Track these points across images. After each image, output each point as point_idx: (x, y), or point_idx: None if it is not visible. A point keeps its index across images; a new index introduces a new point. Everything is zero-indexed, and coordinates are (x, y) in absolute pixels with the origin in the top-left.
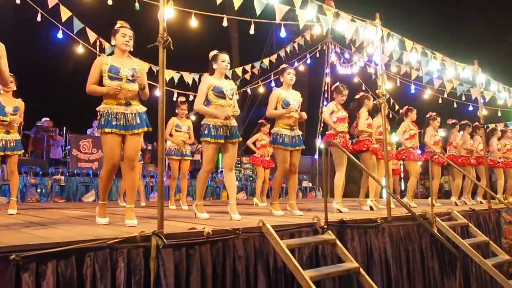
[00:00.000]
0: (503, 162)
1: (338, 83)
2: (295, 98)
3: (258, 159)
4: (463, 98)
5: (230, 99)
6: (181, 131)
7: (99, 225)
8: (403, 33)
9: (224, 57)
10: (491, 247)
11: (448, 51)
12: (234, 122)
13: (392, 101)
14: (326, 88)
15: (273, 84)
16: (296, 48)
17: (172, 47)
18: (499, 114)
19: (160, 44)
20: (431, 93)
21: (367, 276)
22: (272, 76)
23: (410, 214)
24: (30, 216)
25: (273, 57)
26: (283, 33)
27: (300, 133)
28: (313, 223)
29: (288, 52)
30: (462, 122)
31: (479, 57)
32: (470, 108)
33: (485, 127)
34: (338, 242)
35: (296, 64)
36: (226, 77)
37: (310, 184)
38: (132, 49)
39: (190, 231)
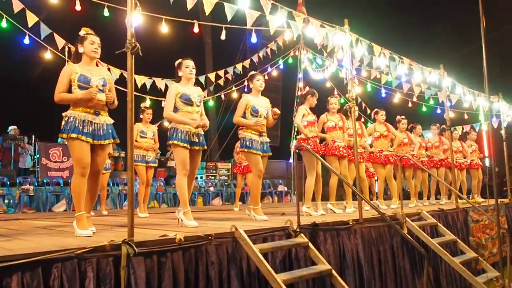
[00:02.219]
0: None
1: (308, 87)
2: (263, 105)
3: (239, 167)
4: (432, 102)
5: (198, 106)
6: (146, 137)
7: (67, 236)
8: (372, 39)
9: (188, 63)
10: (459, 245)
11: (417, 56)
12: (201, 131)
13: (363, 105)
14: (299, 92)
15: (246, 89)
16: (269, 53)
17: (140, 53)
18: (466, 117)
19: (128, 50)
20: (400, 96)
21: (339, 278)
22: (246, 81)
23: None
24: None
25: (246, 63)
26: (254, 39)
27: (268, 140)
28: (286, 227)
29: (261, 57)
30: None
31: (446, 62)
32: (438, 111)
33: (451, 129)
34: (310, 245)
35: (269, 69)
36: (200, 85)
37: (286, 188)
38: (99, 57)
39: (162, 238)
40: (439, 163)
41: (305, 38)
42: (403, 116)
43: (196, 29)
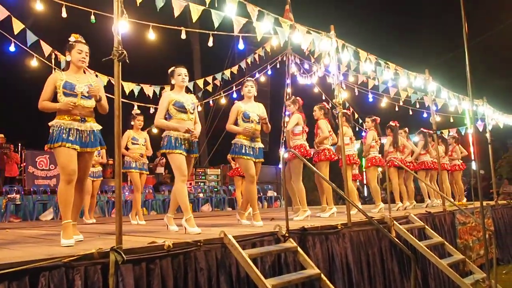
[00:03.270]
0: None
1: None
2: (255, 110)
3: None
4: (418, 106)
5: (191, 113)
6: (138, 144)
7: (54, 244)
8: (358, 44)
9: (181, 70)
10: (447, 247)
11: (403, 61)
12: (193, 137)
13: (351, 110)
14: (287, 98)
15: (235, 95)
16: (257, 59)
17: (127, 60)
18: (451, 120)
19: (115, 57)
20: (387, 101)
21: (328, 282)
22: (234, 87)
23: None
24: None
25: (235, 69)
26: (241, 45)
27: (261, 146)
28: (274, 232)
29: (249, 63)
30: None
31: (431, 67)
32: (425, 115)
33: (438, 133)
34: (299, 249)
35: (257, 75)
36: (188, 91)
37: (275, 194)
38: (87, 65)
39: (150, 245)
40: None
41: (292, 44)
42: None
43: (183, 36)
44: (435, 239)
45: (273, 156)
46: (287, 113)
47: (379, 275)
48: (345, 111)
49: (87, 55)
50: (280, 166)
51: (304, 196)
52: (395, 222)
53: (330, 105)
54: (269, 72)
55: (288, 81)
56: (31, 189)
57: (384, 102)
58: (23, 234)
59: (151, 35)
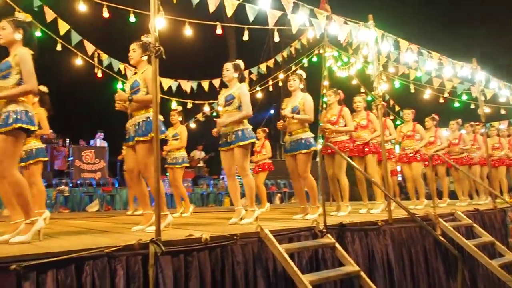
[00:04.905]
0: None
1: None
2: (291, 104)
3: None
4: (464, 97)
5: (224, 107)
6: (175, 139)
7: (99, 235)
8: (398, 34)
9: (224, 66)
10: (497, 247)
11: (447, 50)
12: (231, 129)
13: (392, 102)
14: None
15: (271, 89)
16: (293, 52)
17: (164, 56)
18: (503, 112)
19: (152, 54)
20: (431, 92)
21: (368, 280)
22: (270, 81)
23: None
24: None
25: (270, 62)
26: (276, 38)
27: (302, 137)
28: (312, 227)
29: (285, 56)
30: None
31: (479, 55)
32: (472, 106)
33: (487, 125)
34: (337, 245)
35: (293, 68)
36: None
37: None
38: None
39: (188, 238)
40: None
41: (329, 36)
42: (433, 115)
43: (219, 31)
44: (485, 238)
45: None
46: (324, 105)
47: (422, 274)
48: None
49: (134, 51)
50: (317, 160)
51: (347, 191)
52: (440, 219)
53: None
54: (306, 65)
55: (325, 73)
56: (78, 182)
57: (427, 94)
58: (70, 224)
59: (188, 31)
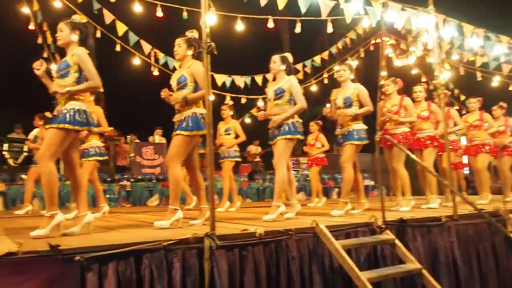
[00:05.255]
0: None
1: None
2: (342, 95)
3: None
4: None
5: (274, 100)
6: (227, 133)
7: (157, 228)
8: (461, 18)
9: (271, 58)
10: None
11: None
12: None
13: (456, 91)
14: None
15: (326, 81)
16: (348, 43)
17: (215, 52)
18: None
19: (204, 50)
20: (500, 79)
21: (431, 278)
22: (325, 73)
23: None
24: (97, 220)
25: (325, 54)
26: (329, 29)
27: (353, 128)
28: (370, 223)
29: (340, 47)
30: None
31: None
32: None
33: None
34: (397, 242)
35: (349, 59)
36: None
37: (373, 183)
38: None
39: (243, 232)
40: None
41: (386, 24)
42: (500, 104)
43: (270, 25)
44: None
45: (368, 143)
46: (382, 96)
47: (492, 272)
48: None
49: (179, 46)
50: (377, 153)
51: (409, 184)
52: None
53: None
54: (362, 55)
55: (383, 63)
56: (139, 177)
57: (495, 81)
58: (131, 218)
59: (239, 26)
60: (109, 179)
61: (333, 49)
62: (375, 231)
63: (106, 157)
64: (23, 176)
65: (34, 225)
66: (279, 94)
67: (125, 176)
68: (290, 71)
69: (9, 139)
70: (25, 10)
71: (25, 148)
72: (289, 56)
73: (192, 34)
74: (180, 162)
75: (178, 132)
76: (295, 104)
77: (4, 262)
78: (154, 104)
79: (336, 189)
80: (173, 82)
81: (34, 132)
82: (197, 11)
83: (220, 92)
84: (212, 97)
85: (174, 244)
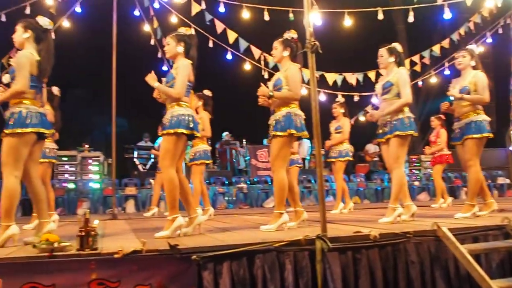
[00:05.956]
0: None
1: None
2: (460, 85)
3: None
4: None
5: (381, 95)
6: (338, 132)
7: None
8: None
9: (378, 52)
10: None
11: None
12: (389, 118)
13: None
14: None
15: (447, 72)
16: (472, 27)
17: (320, 51)
18: None
19: (308, 49)
20: None
21: None
22: (446, 63)
23: None
24: (215, 221)
25: (445, 42)
26: (447, 15)
27: (472, 120)
28: (502, 226)
29: (463, 34)
30: None
31: None
32: None
33: None
34: None
35: (474, 46)
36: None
37: (507, 180)
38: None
39: (356, 234)
40: None
41: None
42: None
43: (380, 16)
44: None
45: (500, 138)
46: None
47: None
48: None
49: (275, 49)
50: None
51: None
52: None
53: None
54: (489, 40)
55: None
56: (255, 179)
57: None
58: (246, 220)
59: (347, 22)
60: (227, 182)
61: (455, 36)
62: (509, 235)
63: (211, 161)
64: (151, 181)
65: (159, 226)
66: (386, 89)
67: (242, 179)
68: (401, 62)
69: (138, 147)
70: (146, 28)
71: (152, 155)
72: (397, 46)
73: (289, 34)
74: (285, 165)
75: (274, 133)
76: None
77: (131, 259)
78: (266, 108)
79: (464, 189)
80: (270, 85)
81: (159, 140)
82: (301, 10)
83: (330, 91)
84: (323, 97)
85: (286, 246)
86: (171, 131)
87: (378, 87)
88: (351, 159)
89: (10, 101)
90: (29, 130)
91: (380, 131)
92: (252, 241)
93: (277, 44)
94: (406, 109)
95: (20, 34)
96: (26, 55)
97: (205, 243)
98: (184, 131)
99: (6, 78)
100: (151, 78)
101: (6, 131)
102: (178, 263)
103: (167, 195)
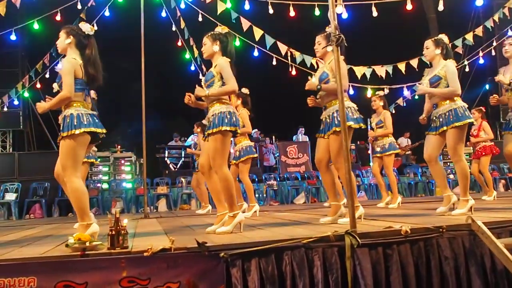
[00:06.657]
0: None
1: None
2: (510, 74)
3: None
4: None
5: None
6: (380, 126)
7: (299, 226)
8: None
9: (424, 44)
10: None
11: None
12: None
13: None
14: None
15: (481, 61)
16: (507, 13)
17: (345, 44)
18: None
19: (333, 42)
20: None
21: None
22: (481, 52)
23: None
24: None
25: (479, 31)
26: (479, 1)
27: None
28: None
29: (497, 20)
30: None
31: None
32: None
33: None
34: None
35: (510, 32)
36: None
37: None
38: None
39: (386, 230)
40: None
41: None
42: None
43: (409, 7)
44: None
45: None
46: None
47: None
48: None
49: (319, 44)
50: None
51: None
52: None
53: None
54: None
55: None
56: (285, 176)
57: None
58: (276, 216)
59: (374, 13)
60: (257, 179)
61: (489, 24)
62: None
63: (257, 155)
64: (182, 179)
65: (190, 224)
66: (434, 83)
67: (271, 176)
68: (448, 54)
69: (169, 147)
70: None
71: (182, 154)
72: (444, 38)
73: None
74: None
75: (334, 129)
76: None
77: (161, 257)
78: (294, 103)
79: (503, 181)
80: (316, 79)
81: (189, 139)
82: (326, 4)
83: (359, 85)
84: (352, 92)
85: (314, 242)
86: (215, 130)
87: (425, 80)
88: (398, 151)
89: (61, 107)
90: (82, 130)
91: (433, 124)
92: (280, 238)
93: (320, 39)
94: (459, 99)
95: (63, 40)
96: (68, 61)
97: (233, 240)
98: (228, 128)
99: (55, 86)
100: (200, 91)
101: (62, 134)
102: (206, 261)
103: (224, 193)
